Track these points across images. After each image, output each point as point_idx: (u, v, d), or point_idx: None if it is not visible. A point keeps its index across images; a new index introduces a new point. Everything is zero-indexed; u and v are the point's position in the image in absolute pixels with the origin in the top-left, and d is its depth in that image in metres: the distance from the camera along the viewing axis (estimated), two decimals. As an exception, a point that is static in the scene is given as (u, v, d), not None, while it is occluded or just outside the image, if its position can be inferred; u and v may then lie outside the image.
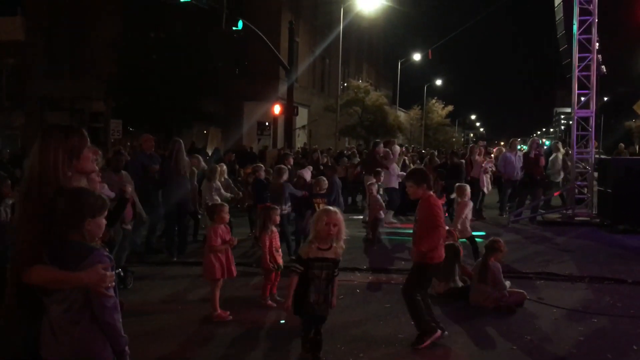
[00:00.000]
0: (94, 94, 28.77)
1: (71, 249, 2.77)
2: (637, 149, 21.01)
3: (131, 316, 5.39)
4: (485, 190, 14.29)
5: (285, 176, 9.58)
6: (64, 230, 2.79)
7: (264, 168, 10.95)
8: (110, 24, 28.58)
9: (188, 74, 24.95)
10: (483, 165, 14.38)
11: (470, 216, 9.27)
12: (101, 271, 2.70)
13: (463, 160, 15.09)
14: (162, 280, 7.83)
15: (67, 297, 2.73)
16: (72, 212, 2.80)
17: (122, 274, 6.99)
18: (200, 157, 11.62)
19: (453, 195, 9.68)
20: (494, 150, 21.57)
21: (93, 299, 2.74)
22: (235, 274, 6.37)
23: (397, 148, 14.91)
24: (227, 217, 6.46)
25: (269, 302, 6.59)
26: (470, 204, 9.30)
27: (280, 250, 6.88)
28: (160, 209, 9.36)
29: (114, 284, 2.79)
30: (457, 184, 9.58)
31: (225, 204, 6.84)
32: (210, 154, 20.67)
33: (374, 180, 11.15)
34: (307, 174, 10.66)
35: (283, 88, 27.05)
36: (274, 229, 6.90)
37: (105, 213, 2.93)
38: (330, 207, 5.07)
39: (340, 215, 4.86)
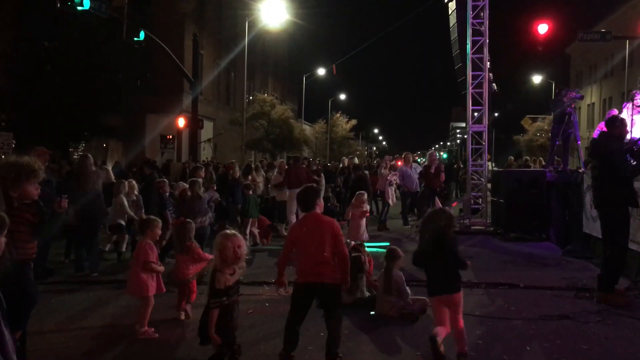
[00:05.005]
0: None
1: None
2: (525, 161, 22.43)
3: (55, 334, 5.12)
4: (390, 202, 14.86)
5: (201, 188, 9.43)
6: None
7: (167, 183, 10.67)
8: (-1, 32, 26.93)
9: (86, 86, 23.93)
10: (388, 178, 14.99)
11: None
12: None
13: (367, 172, 15.67)
14: (74, 300, 7.43)
15: None
16: None
17: None
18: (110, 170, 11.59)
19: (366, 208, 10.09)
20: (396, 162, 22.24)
21: None
22: (164, 289, 6.26)
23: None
24: (159, 232, 6.36)
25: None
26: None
27: None
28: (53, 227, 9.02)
29: None
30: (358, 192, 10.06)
31: (159, 219, 6.61)
32: (110, 169, 19.89)
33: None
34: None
35: (187, 101, 26.60)
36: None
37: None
38: (227, 231, 5.00)
39: (240, 235, 4.91)
